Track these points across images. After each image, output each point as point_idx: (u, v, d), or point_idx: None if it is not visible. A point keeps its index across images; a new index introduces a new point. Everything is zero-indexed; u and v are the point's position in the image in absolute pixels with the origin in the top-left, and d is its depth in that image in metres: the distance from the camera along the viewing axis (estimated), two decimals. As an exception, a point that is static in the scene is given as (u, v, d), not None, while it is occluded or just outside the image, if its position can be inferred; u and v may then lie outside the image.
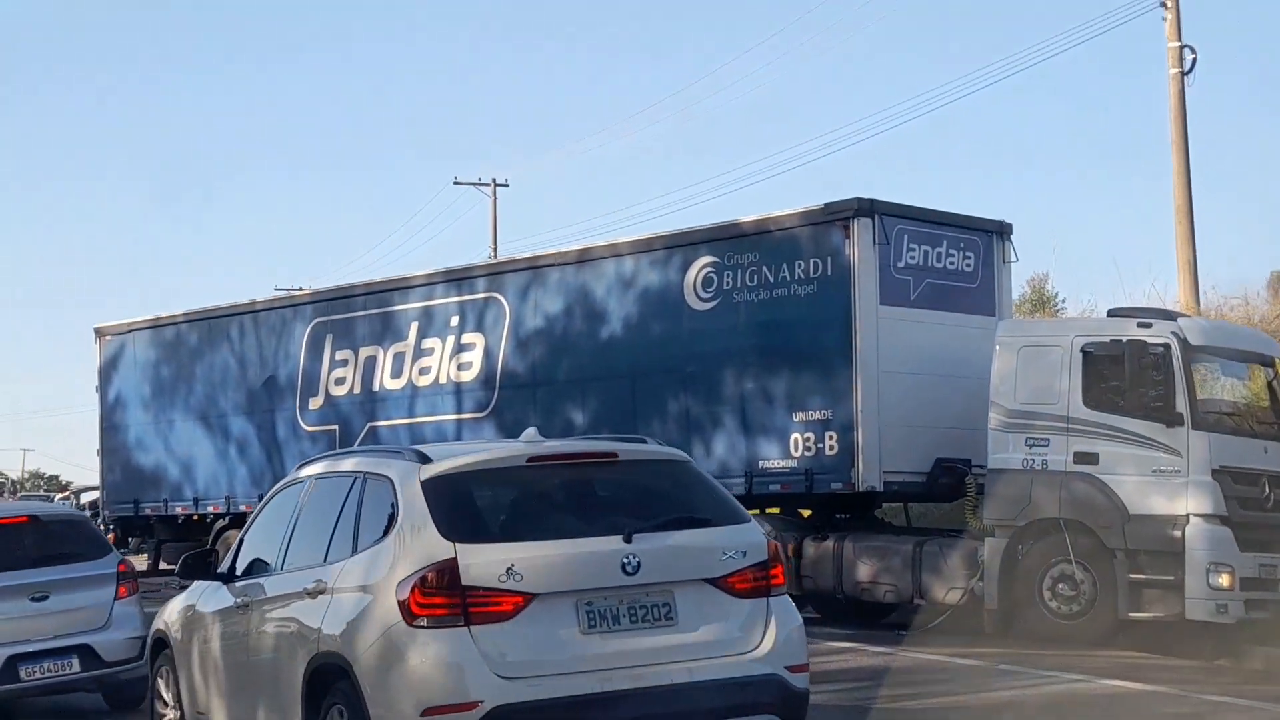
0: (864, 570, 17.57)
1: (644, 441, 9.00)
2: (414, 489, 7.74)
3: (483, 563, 7.35)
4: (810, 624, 18.03)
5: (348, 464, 8.87)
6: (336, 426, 23.35)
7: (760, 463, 18.33)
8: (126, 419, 26.79)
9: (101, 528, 36.67)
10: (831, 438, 17.66)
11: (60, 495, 60.49)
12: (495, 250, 52.80)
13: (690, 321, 19.06)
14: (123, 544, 29.25)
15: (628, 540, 7.56)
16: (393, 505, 7.84)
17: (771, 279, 18.28)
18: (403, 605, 7.35)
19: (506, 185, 57.05)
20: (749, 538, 7.95)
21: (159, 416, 26.19)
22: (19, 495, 74.78)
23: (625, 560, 7.49)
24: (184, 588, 10.64)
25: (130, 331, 26.82)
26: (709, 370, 18.85)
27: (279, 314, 24.49)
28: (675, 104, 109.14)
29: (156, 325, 26.48)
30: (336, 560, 8.13)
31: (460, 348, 21.70)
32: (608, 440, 9.25)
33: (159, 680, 10.38)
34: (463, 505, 7.72)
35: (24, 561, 13.18)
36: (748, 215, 18.91)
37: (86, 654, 12.87)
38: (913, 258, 17.99)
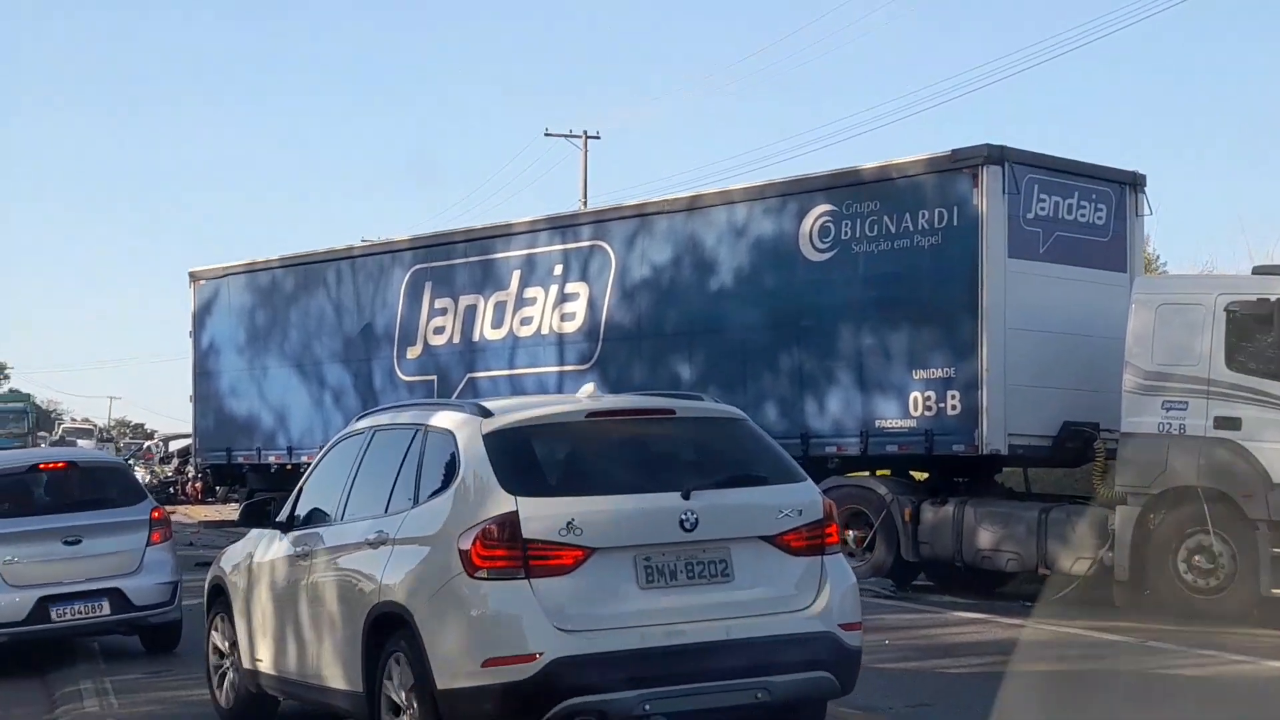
0: (986, 537, 16.75)
1: (700, 398, 8.82)
2: (476, 442, 7.74)
3: (543, 516, 7.35)
4: (924, 592, 17.49)
5: (408, 416, 8.83)
6: (434, 376, 22.78)
7: (877, 422, 17.54)
8: (220, 365, 26.39)
9: (192, 474, 36.57)
10: (954, 397, 16.84)
11: (147, 442, 60.56)
12: (585, 203, 52.16)
13: (805, 273, 18.27)
14: (212, 492, 29.01)
15: (686, 497, 7.54)
16: (454, 458, 7.82)
17: (893, 229, 17.45)
18: (464, 557, 7.36)
19: (598, 137, 56.30)
20: (805, 497, 7.93)
21: (253, 363, 25.77)
22: (101, 444, 75.17)
23: (684, 517, 7.48)
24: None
25: (225, 276, 26.39)
26: (824, 324, 18.07)
27: (377, 260, 23.93)
28: (779, 52, 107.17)
29: (252, 270, 26.02)
30: (397, 511, 8.12)
31: (564, 297, 21.04)
32: (666, 396, 9.03)
33: (214, 630, 10.29)
34: (524, 459, 7.72)
35: (60, 506, 13.55)
36: (867, 163, 18.05)
37: (117, 597, 13.12)
38: (1042, 209, 17.09)
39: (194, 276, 26.94)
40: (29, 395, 67.70)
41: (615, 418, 8.14)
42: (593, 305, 20.66)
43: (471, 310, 22.29)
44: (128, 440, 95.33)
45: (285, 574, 9.16)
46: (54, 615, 12.99)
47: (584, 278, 20.84)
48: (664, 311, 19.91)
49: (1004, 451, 16.74)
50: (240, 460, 25.99)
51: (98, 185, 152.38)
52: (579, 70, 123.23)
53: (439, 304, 22.78)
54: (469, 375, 22.29)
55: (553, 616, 7.23)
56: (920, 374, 17.17)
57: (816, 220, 18.15)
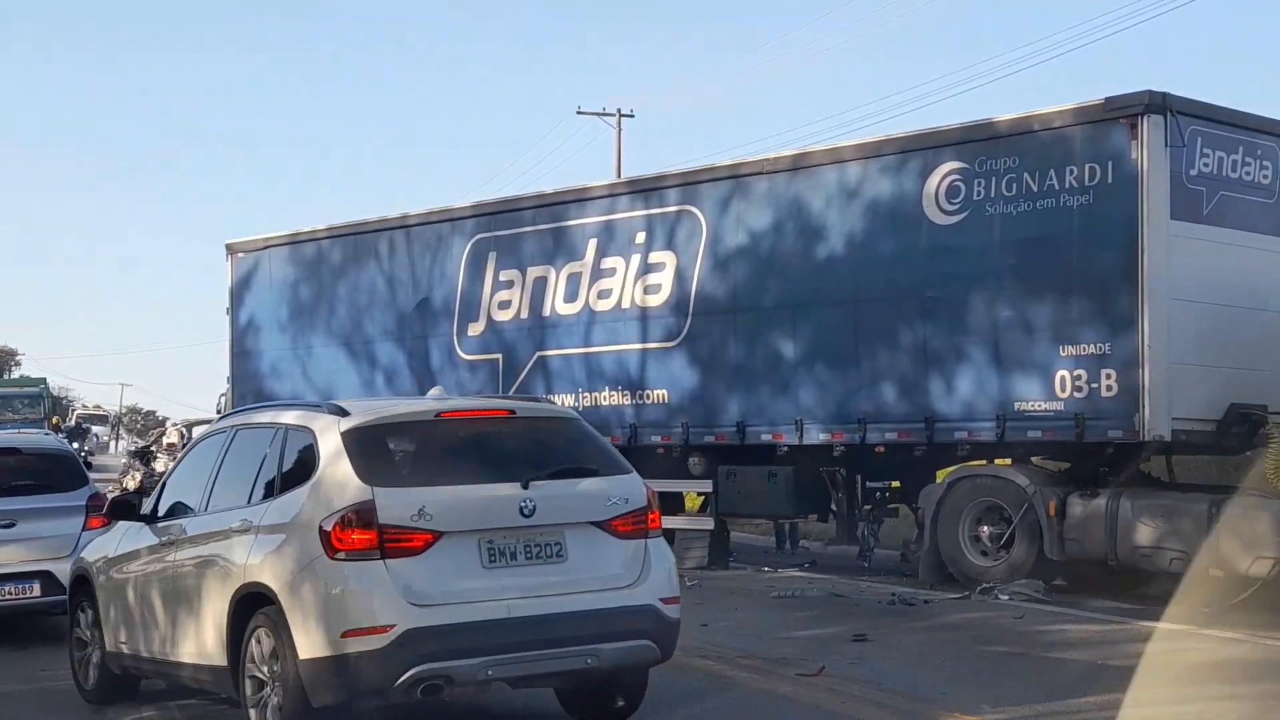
0: (1145, 533, 14.86)
1: (539, 400, 10.57)
2: (334, 439, 8.49)
3: (397, 504, 8.12)
4: (1064, 594, 15.63)
5: (268, 416, 9.61)
6: (499, 355, 20.85)
7: (1016, 404, 15.63)
8: (260, 344, 24.42)
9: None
10: (1109, 376, 14.93)
11: (170, 427, 58.79)
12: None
13: (930, 238, 16.34)
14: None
15: (525, 487, 8.40)
16: (314, 453, 8.57)
17: (1035, 187, 15.53)
18: (325, 539, 8.09)
19: (631, 116, 54.26)
20: (631, 487, 8.79)
21: (296, 341, 23.79)
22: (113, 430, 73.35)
23: (523, 504, 8.33)
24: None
25: (266, 248, 24.39)
26: (954, 295, 16.15)
27: (435, 229, 21.94)
28: (822, 26, 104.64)
29: (295, 241, 24.02)
30: (260, 501, 8.84)
31: (647, 268, 19.10)
32: (506, 398, 10.67)
33: (79, 615, 10.93)
34: (379, 453, 8.46)
35: None
36: (1004, 114, 16.09)
37: (48, 580, 13.39)
38: (1206, 165, 15.20)
39: (231, 249, 24.94)
40: (43, 380, 65.77)
41: (461, 417, 9.07)
42: (680, 276, 18.73)
43: (541, 282, 20.36)
44: (141, 426, 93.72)
45: (150, 561, 9.85)
46: None
47: (670, 246, 18.91)
48: (763, 282, 17.98)
49: (1167, 437, 14.85)
50: (283, 446, 24.06)
51: (107, 166, 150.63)
52: (611, 46, 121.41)
53: (504, 276, 20.84)
54: (538, 353, 20.37)
55: (405, 593, 8.00)
56: (1068, 350, 15.26)
57: (943, 179, 16.22)
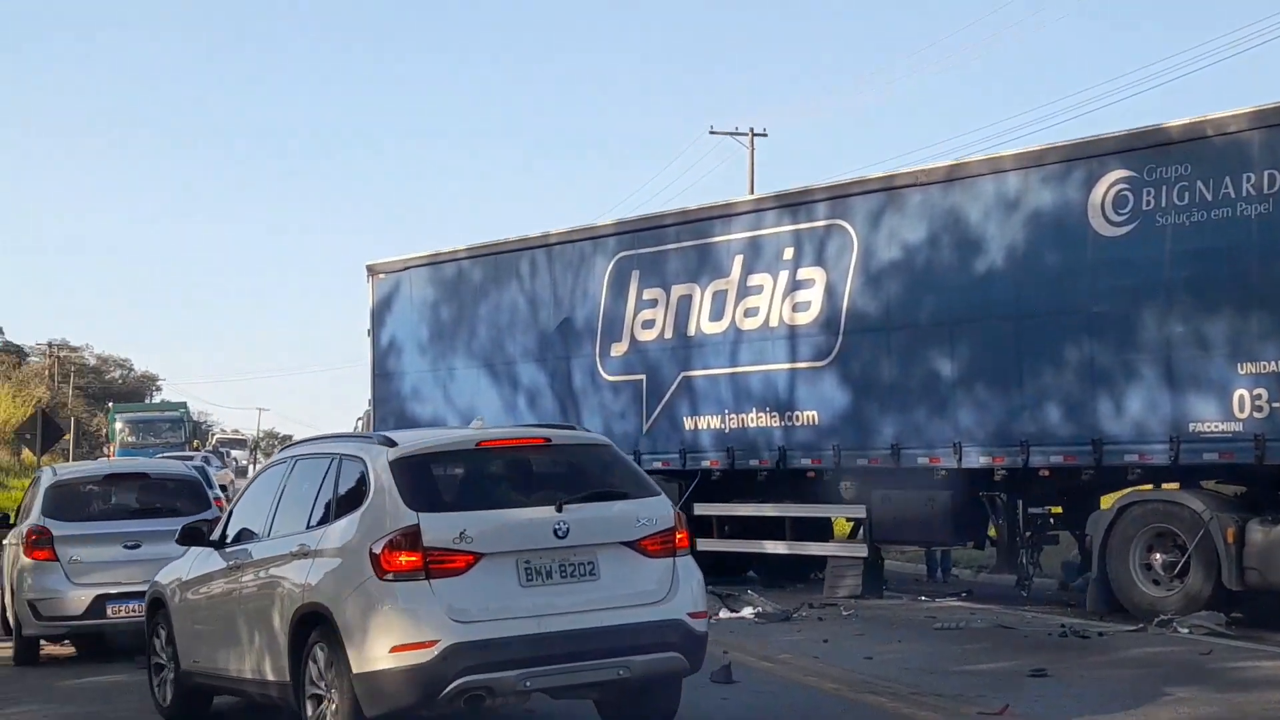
0: (1333, 562, 13.96)
1: (573, 428, 11.06)
2: (383, 468, 9.09)
3: (440, 528, 8.72)
4: (1244, 627, 14.67)
5: (324, 447, 10.23)
6: (643, 376, 20.37)
7: (1191, 425, 14.81)
8: (401, 365, 24.14)
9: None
10: (1292, 395, 14.10)
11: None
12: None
13: (1096, 250, 15.59)
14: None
15: (559, 510, 8.95)
16: (364, 481, 9.20)
17: (1209, 196, 14.73)
18: (375, 562, 8.70)
19: (765, 135, 54.07)
20: (659, 509, 9.31)
21: (438, 363, 23.49)
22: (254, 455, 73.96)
23: (557, 526, 8.88)
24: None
25: (406, 269, 24.13)
26: (1122, 310, 15.37)
27: (576, 248, 21.53)
28: (968, 40, 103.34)
29: (435, 261, 23.74)
30: (318, 527, 9.47)
31: (795, 284, 18.51)
32: (542, 427, 11.43)
33: (155, 637, 11.59)
34: (423, 481, 9.05)
35: (127, 513, 15.31)
36: (1174, 119, 15.30)
37: None
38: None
39: (372, 270, 24.73)
40: (184, 404, 66.59)
41: (499, 445, 9.61)
42: (831, 293, 18.11)
43: (686, 301, 19.85)
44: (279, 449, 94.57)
45: (219, 584, 10.53)
46: (109, 611, 14.45)
47: (820, 261, 18.30)
48: (918, 298, 17.31)
49: (1357, 460, 13.96)
50: (423, 469, 23.76)
51: (243, 196, 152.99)
52: (746, 66, 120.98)
53: (648, 295, 20.37)
54: (683, 374, 19.84)
55: (449, 610, 8.58)
56: (1247, 368, 14.43)
57: (1110, 188, 15.47)
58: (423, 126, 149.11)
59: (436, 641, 8.49)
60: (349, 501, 9.24)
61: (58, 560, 14.62)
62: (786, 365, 18.58)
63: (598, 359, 20.96)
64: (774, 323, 18.72)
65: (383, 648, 8.58)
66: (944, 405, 16.93)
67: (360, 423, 54.81)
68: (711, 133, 53.37)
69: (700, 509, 19.83)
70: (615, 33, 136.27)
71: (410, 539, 8.64)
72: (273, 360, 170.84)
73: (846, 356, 17.91)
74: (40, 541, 14.74)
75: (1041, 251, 16.12)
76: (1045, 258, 16.10)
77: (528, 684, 8.71)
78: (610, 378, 20.81)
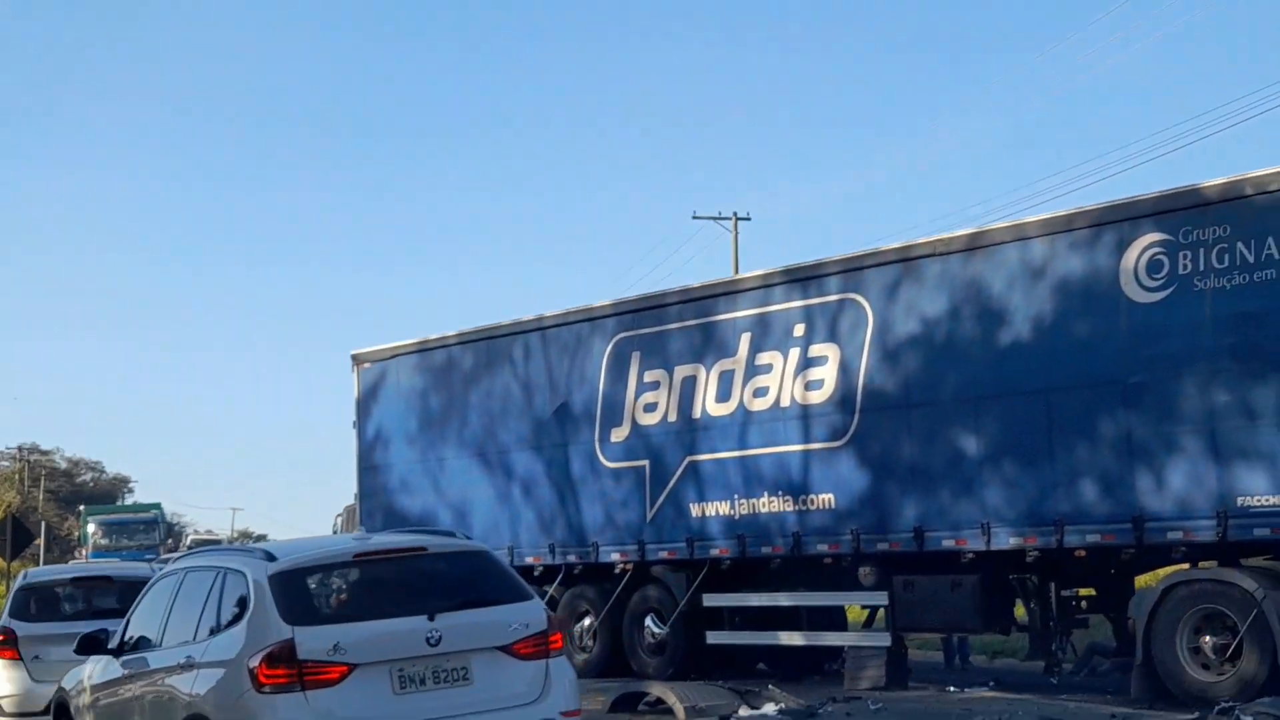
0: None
1: (452, 535, 11.03)
2: (262, 582, 9.45)
3: (314, 641, 9.07)
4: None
5: (212, 560, 10.63)
6: (646, 461, 19.47)
7: (1239, 499, 13.99)
8: (389, 457, 23.19)
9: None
10: (1348, 465, 13.30)
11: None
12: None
13: (1131, 318, 14.84)
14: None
15: (431, 619, 9.30)
16: (245, 595, 9.55)
17: (1250, 258, 14.04)
18: (252, 675, 9.03)
19: (748, 219, 53.73)
20: (532, 614, 9.73)
21: (427, 454, 22.55)
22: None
23: (429, 635, 9.25)
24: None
25: (393, 357, 23.27)
26: (1160, 380, 14.59)
27: (572, 330, 20.71)
28: (947, 119, 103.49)
29: (424, 349, 22.88)
30: (203, 639, 9.84)
31: (807, 362, 17.69)
32: (419, 534, 11.09)
33: None
34: (299, 595, 9.40)
35: (91, 614, 15.54)
36: (1209, 180, 14.60)
37: None
38: None
39: (357, 359, 23.85)
40: (157, 505, 65.28)
41: (376, 556, 9.97)
42: (845, 370, 17.30)
43: (690, 382, 19.02)
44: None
45: (116, 691, 10.89)
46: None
47: (833, 337, 17.50)
48: (939, 374, 16.50)
49: None
50: (414, 564, 22.75)
51: (214, 292, 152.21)
52: (727, 151, 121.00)
53: (649, 376, 19.53)
54: (689, 458, 18.96)
55: (323, 719, 8.93)
56: (1298, 437, 13.64)
57: (1143, 253, 14.74)
58: (387, 215, 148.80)
59: None
60: (230, 613, 9.67)
61: (21, 659, 15.45)
62: (800, 446, 17.73)
63: (597, 444, 20.08)
64: (785, 402, 17.88)
65: None
66: (970, 485, 16.08)
67: (340, 519, 53.62)
68: (695, 218, 53.12)
69: (710, 600, 18.90)
70: (594, 120, 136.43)
71: (286, 652, 9.03)
72: (247, 459, 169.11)
73: (864, 436, 17.07)
74: (5, 642, 15.64)
75: (1071, 321, 15.36)
76: (1075, 327, 15.33)
77: None
78: (611, 464, 19.92)
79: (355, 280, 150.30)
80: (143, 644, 10.79)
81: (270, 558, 9.72)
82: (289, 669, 8.98)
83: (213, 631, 9.77)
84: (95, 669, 11.42)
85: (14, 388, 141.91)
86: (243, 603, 9.53)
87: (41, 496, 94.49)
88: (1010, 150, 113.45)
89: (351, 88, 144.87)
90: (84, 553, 57.85)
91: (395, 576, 9.85)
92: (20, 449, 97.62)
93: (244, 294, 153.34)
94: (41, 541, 54.66)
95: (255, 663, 9.04)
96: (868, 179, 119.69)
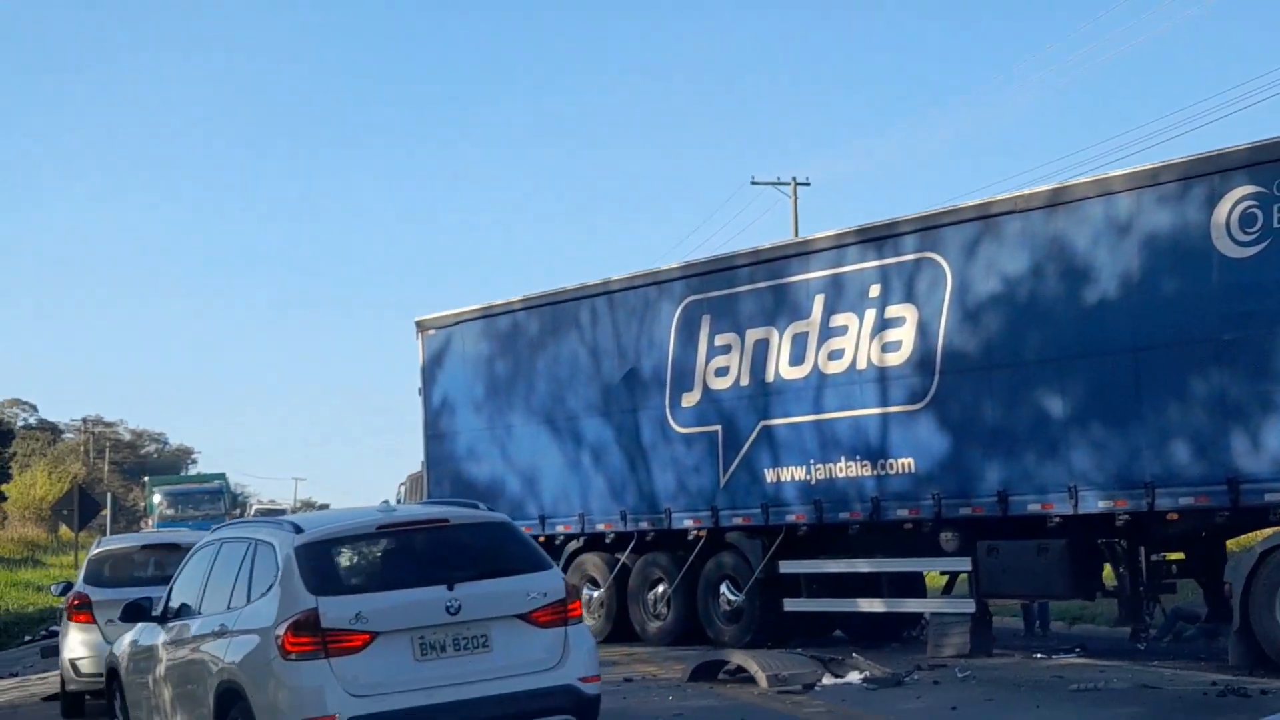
0: None
1: (476, 507, 11.17)
2: (289, 553, 9.87)
3: (337, 610, 9.51)
4: None
5: (245, 531, 11.09)
6: (718, 426, 19.12)
7: (1343, 460, 13.49)
8: (455, 425, 22.94)
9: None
10: None
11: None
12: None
13: (1223, 274, 14.34)
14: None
15: (450, 588, 9.72)
16: (274, 566, 9.98)
17: (1350, 209, 13.49)
18: (279, 643, 9.50)
19: (808, 184, 52.82)
20: (550, 583, 10.09)
21: (494, 421, 22.29)
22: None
23: (449, 604, 9.66)
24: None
25: (458, 323, 22.98)
26: (1256, 336, 14.11)
27: (640, 294, 20.35)
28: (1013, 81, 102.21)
29: (489, 314, 22.58)
30: (236, 608, 10.28)
31: (884, 323, 17.27)
32: (443, 506, 11.62)
33: (114, 701, 12.70)
34: (324, 566, 9.81)
35: (160, 580, 14.99)
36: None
37: None
38: None
39: (421, 326, 23.58)
40: (222, 475, 65.44)
41: (399, 528, 10.25)
42: (923, 331, 16.87)
43: (763, 345, 18.63)
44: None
45: (161, 658, 11.40)
46: None
47: (910, 298, 17.07)
48: (1022, 333, 16.04)
49: None
50: (483, 533, 22.48)
51: (275, 262, 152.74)
52: (787, 115, 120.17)
53: (720, 340, 19.16)
54: (762, 422, 18.58)
55: (347, 685, 9.32)
56: (1404, 394, 13.14)
57: (1236, 206, 14.24)
58: (451, 188, 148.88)
59: (334, 716, 9.30)
60: (261, 584, 10.05)
61: (95, 623, 16.22)
62: (877, 410, 17.32)
63: (668, 410, 19.74)
64: (861, 365, 17.47)
65: None
66: (1055, 447, 15.63)
67: (403, 488, 53.52)
68: (753, 183, 52.28)
69: (786, 566, 18.54)
70: (652, 86, 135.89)
71: (311, 621, 9.42)
72: (311, 429, 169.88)
73: (944, 398, 16.65)
74: (80, 607, 16.51)
75: (1160, 277, 14.87)
76: (1164, 284, 14.84)
77: None
78: (682, 430, 19.58)
79: (417, 243, 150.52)
80: (184, 612, 11.27)
81: (297, 530, 10.10)
82: (313, 637, 9.39)
83: (245, 601, 10.19)
84: (142, 635, 12.01)
85: (79, 359, 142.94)
86: (271, 573, 9.93)
87: (106, 468, 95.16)
88: (1075, 112, 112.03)
89: (415, 43, 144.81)
90: (150, 523, 58.07)
91: (417, 547, 10.24)
92: (85, 421, 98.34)
93: (306, 258, 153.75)
94: (108, 512, 54.92)
95: (281, 631, 9.46)
96: (926, 144, 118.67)
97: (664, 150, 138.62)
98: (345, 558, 10.10)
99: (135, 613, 11.96)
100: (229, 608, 10.39)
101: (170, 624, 11.40)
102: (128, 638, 12.43)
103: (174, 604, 11.56)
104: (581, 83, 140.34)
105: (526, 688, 9.69)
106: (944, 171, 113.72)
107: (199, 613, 10.96)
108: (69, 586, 18.13)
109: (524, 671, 9.73)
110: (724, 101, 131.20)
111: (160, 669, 11.36)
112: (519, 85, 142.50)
